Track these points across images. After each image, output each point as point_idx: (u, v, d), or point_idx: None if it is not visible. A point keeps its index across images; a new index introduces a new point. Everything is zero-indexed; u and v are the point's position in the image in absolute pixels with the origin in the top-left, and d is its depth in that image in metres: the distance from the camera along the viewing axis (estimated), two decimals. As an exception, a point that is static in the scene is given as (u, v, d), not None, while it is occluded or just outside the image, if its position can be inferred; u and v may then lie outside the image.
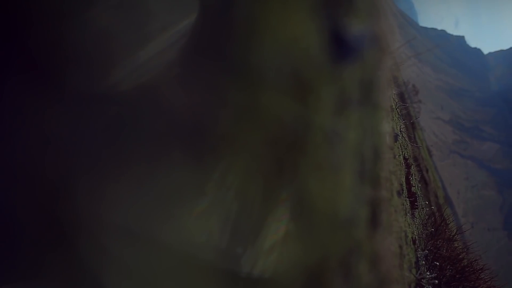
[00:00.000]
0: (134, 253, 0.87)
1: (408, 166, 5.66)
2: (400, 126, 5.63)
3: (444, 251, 5.03)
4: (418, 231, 4.76)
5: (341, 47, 1.21)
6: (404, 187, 4.45)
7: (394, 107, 5.09)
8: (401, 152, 5.03)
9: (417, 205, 5.28)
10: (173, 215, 0.89)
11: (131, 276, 0.87)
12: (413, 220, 4.66)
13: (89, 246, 0.86)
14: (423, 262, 4.12)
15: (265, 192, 0.99)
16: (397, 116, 5.48)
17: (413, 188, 5.54)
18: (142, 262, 0.87)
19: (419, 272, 3.81)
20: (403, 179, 4.54)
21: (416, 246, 4.13)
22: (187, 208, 0.90)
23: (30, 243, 0.85)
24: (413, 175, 6.58)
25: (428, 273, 3.99)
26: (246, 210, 0.96)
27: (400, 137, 4.98)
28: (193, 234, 0.91)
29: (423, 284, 3.76)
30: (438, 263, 4.49)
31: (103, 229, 0.86)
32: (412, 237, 3.98)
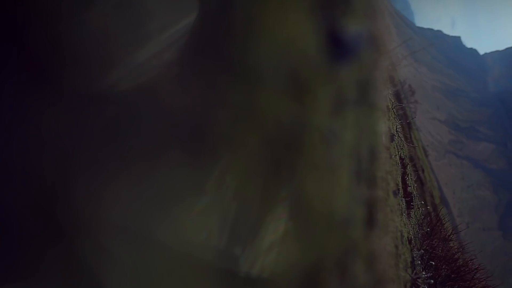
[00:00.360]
0: (133, 252, 0.87)
1: (404, 166, 5.67)
2: (396, 126, 5.64)
3: (440, 251, 5.05)
4: (414, 231, 4.78)
5: (338, 47, 1.21)
6: (400, 187, 4.46)
7: (390, 107, 5.10)
8: (397, 152, 5.04)
9: (413, 205, 5.29)
10: (172, 214, 0.89)
11: (129, 275, 0.87)
12: (409, 220, 4.67)
13: (87, 245, 0.86)
14: (419, 262, 4.13)
15: (262, 191, 1.00)
16: (393, 116, 5.49)
17: (409, 188, 5.55)
18: (141, 261, 0.87)
19: (414, 271, 3.82)
20: (399, 179, 4.55)
21: (411, 245, 4.14)
22: (186, 207, 0.90)
23: (29, 242, 0.85)
24: (409, 175, 6.59)
25: (423, 273, 4.01)
26: (244, 209, 0.96)
27: (396, 137, 4.99)
28: (192, 233, 0.91)
29: (418, 283, 3.77)
30: (433, 263, 4.50)
31: (101, 228, 0.86)
32: (408, 237, 3.99)
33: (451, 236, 6.23)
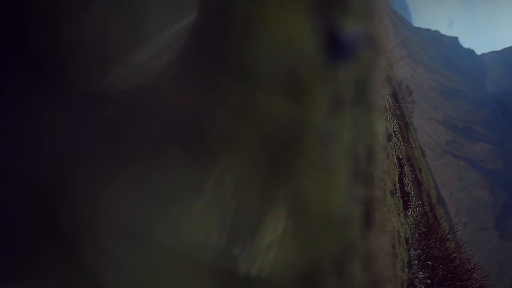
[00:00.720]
0: (132, 251, 0.87)
1: (401, 166, 5.68)
2: (393, 126, 5.64)
3: (437, 250, 5.06)
4: (411, 231, 4.78)
5: (336, 47, 1.21)
6: (397, 187, 4.46)
7: (387, 107, 5.10)
8: (394, 152, 5.05)
9: (410, 205, 5.30)
10: (170, 214, 0.89)
11: (128, 274, 0.87)
12: (406, 220, 4.68)
13: (87, 244, 0.86)
14: (416, 262, 4.14)
15: (261, 191, 1.00)
16: (390, 116, 5.49)
17: (406, 188, 5.56)
18: (139, 260, 0.87)
19: (411, 271, 3.83)
20: (397, 179, 4.55)
21: (409, 245, 4.14)
22: (185, 207, 0.90)
23: (28, 241, 0.85)
24: (406, 175, 6.60)
25: (420, 273, 4.01)
26: (243, 209, 0.97)
27: (393, 137, 5.00)
28: (191, 233, 0.91)
29: (415, 283, 3.77)
30: (430, 263, 4.51)
31: (100, 227, 0.86)
32: (405, 237, 4.00)
33: (448, 236, 6.24)
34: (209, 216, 0.93)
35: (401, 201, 4.54)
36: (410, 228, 4.87)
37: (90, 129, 0.85)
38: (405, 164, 6.88)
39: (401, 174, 5.38)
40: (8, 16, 0.81)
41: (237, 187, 0.96)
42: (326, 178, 1.20)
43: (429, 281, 4.04)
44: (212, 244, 0.94)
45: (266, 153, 1.01)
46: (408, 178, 7.15)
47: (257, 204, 1.00)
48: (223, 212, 0.94)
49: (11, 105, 0.84)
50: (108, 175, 0.86)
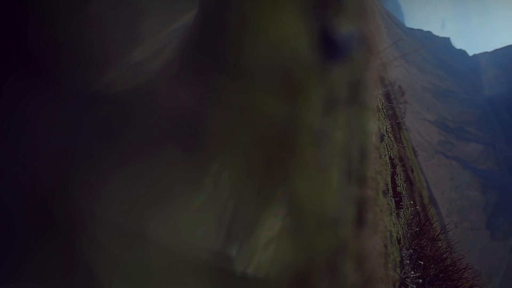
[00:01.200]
0: (129, 249, 0.87)
1: (393, 166, 5.69)
2: (386, 126, 5.66)
3: (428, 250, 5.08)
4: (403, 231, 4.80)
5: (330, 48, 1.22)
6: (390, 187, 4.47)
7: (380, 107, 5.11)
8: (387, 152, 5.06)
9: (402, 205, 5.31)
10: (168, 211, 0.89)
11: (126, 273, 0.87)
12: (398, 220, 4.69)
13: (84, 242, 0.86)
14: (408, 261, 4.16)
15: (257, 190, 1.00)
16: (383, 116, 5.50)
17: (398, 188, 5.57)
18: (137, 258, 0.88)
19: (403, 271, 3.84)
20: (389, 179, 4.56)
21: (400, 245, 4.16)
22: (181, 205, 0.91)
23: (26, 240, 0.85)
24: (399, 175, 6.62)
25: (412, 272, 4.03)
26: (239, 207, 0.97)
27: (386, 137, 5.01)
28: (187, 230, 0.91)
29: (407, 283, 3.79)
30: (422, 262, 4.52)
31: (98, 225, 0.86)
32: (397, 237, 4.01)
33: (440, 236, 6.27)
34: (206, 214, 0.93)
35: (393, 201, 4.55)
36: (402, 228, 4.89)
37: (88, 128, 0.85)
38: (398, 164, 6.90)
39: (394, 174, 5.39)
40: (6, 16, 0.80)
41: (233, 184, 0.96)
42: (319, 177, 1.20)
43: (420, 280, 4.06)
44: (209, 241, 0.94)
45: (261, 151, 1.01)
46: (401, 178, 7.17)
47: (254, 202, 1.00)
48: (220, 209, 0.95)
49: (9, 104, 0.83)
50: (106, 173, 0.86)
